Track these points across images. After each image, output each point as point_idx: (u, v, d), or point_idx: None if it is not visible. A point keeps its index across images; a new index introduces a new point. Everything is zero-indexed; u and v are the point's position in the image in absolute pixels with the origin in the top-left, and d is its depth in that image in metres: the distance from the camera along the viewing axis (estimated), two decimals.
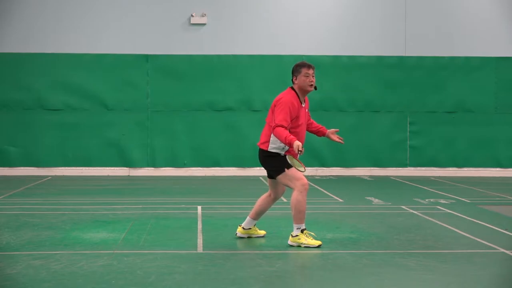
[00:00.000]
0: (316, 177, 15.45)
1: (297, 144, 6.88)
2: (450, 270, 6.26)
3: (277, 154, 7.21)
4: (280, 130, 7.03)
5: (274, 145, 7.20)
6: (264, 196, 7.61)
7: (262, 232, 7.81)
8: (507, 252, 7.03)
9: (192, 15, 15.98)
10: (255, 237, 7.73)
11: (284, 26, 16.18)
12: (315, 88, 7.29)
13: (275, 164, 7.23)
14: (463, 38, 16.35)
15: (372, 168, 16.18)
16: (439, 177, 15.66)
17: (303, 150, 6.91)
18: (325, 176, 15.81)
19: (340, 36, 16.26)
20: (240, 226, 7.80)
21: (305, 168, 7.09)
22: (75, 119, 15.73)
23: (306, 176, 15.44)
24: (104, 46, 15.84)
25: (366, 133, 16.12)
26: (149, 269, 6.17)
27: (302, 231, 7.20)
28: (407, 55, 16.26)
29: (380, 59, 16.20)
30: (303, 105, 7.30)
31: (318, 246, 7.15)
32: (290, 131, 7.14)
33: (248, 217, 7.71)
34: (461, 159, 16.25)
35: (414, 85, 16.22)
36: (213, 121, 15.95)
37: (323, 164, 16.09)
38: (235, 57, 16.00)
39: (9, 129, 15.65)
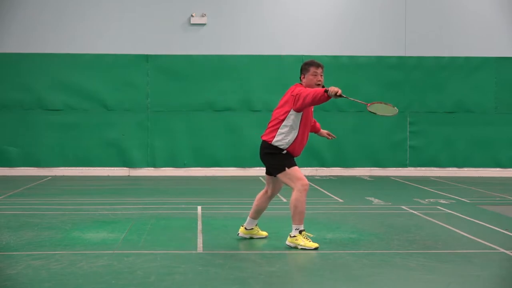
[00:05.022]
0: (316, 177, 15.45)
1: (332, 89, 6.75)
2: (450, 270, 6.26)
3: (279, 151, 7.16)
4: (306, 90, 6.97)
5: (279, 138, 7.14)
6: (260, 194, 7.57)
7: (264, 234, 7.77)
8: (507, 252, 7.03)
9: (192, 15, 15.98)
10: (257, 238, 7.72)
11: (284, 26, 16.18)
12: (323, 87, 7.23)
13: (275, 162, 7.18)
14: (463, 38, 16.35)
15: (372, 168, 16.17)
16: (439, 177, 15.66)
17: (340, 91, 6.77)
18: (325, 176, 15.81)
19: (340, 36, 16.26)
20: (242, 226, 7.79)
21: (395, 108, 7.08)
22: (75, 119, 15.73)
23: (306, 176, 15.51)
24: (104, 46, 15.84)
25: (366, 133, 16.12)
26: (149, 269, 6.17)
27: (300, 232, 7.15)
28: (407, 55, 16.26)
29: (380, 59, 16.20)
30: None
31: (315, 249, 7.09)
32: (294, 130, 7.09)
33: (248, 217, 7.70)
34: (461, 159, 16.25)
35: (414, 85, 16.22)
36: (213, 121, 15.94)
37: (323, 164, 16.09)
38: (235, 57, 15.99)
39: (9, 129, 15.65)
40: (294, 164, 7.17)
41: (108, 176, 15.58)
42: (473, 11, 16.38)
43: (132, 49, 15.89)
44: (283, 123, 7.14)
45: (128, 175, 15.72)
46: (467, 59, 16.25)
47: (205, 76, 15.93)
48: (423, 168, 16.19)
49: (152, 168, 15.86)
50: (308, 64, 7.27)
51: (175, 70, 15.89)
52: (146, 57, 15.86)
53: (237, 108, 15.95)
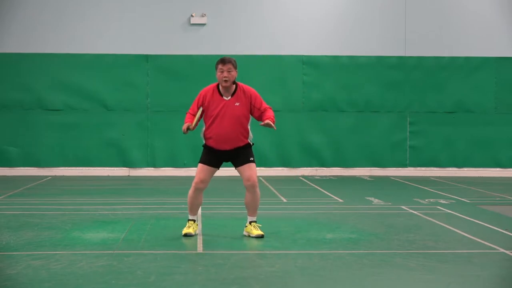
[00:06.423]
0: (316, 177, 15.45)
1: (184, 126, 7.61)
2: (450, 270, 6.26)
3: (203, 145, 7.80)
4: (188, 113, 7.81)
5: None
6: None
7: (256, 232, 7.73)
8: (507, 252, 7.03)
9: (192, 15, 15.98)
10: (252, 237, 7.72)
11: (284, 26, 16.17)
12: (234, 83, 7.66)
13: None
14: (463, 38, 16.35)
15: (372, 168, 16.17)
16: (439, 177, 15.65)
17: (185, 131, 7.66)
18: (325, 176, 15.80)
19: (340, 36, 16.26)
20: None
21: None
22: (75, 119, 15.72)
23: (306, 176, 15.52)
24: (104, 46, 15.84)
25: (366, 133, 16.12)
26: (149, 269, 6.17)
27: (188, 220, 7.78)
28: (407, 55, 16.26)
29: (380, 59, 16.19)
30: (226, 99, 7.57)
31: (185, 235, 7.63)
32: (207, 124, 7.73)
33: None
34: (461, 159, 16.24)
35: (414, 85, 16.22)
36: None
37: (323, 164, 16.09)
38: (235, 57, 15.93)
39: (9, 129, 15.64)
40: (204, 162, 7.72)
41: (108, 176, 15.58)
42: (473, 11, 16.37)
43: (132, 49, 15.88)
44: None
45: (128, 175, 15.72)
46: (467, 59, 16.25)
47: (205, 76, 15.87)
48: (423, 168, 16.19)
49: (152, 168, 15.86)
50: (217, 62, 7.71)
51: (175, 70, 15.89)
52: (146, 57, 15.85)
53: None
